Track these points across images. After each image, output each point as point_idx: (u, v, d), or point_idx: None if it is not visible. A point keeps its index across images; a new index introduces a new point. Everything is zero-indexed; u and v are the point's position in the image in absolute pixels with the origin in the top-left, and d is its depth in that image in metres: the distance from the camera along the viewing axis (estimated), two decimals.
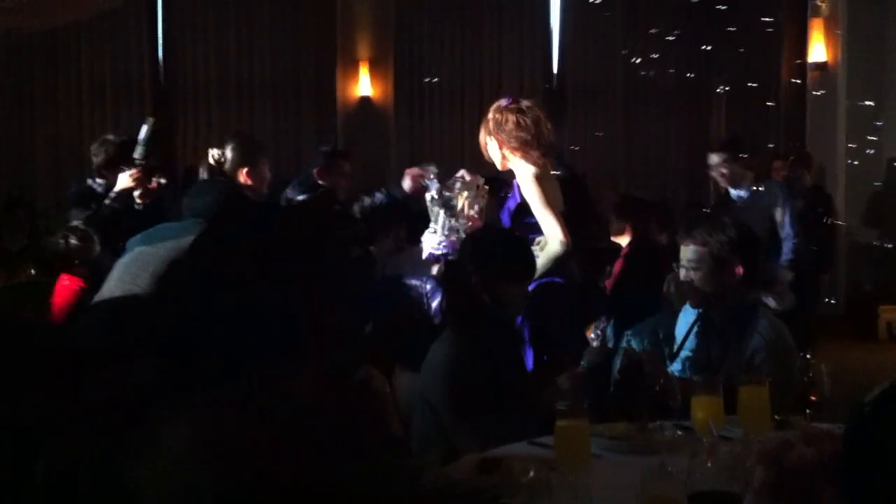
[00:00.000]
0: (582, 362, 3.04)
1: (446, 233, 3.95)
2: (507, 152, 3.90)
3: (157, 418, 1.30)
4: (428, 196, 4.07)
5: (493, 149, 3.94)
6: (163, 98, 8.78)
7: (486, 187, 4.07)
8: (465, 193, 3.98)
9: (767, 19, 9.31)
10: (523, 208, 3.84)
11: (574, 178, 4.32)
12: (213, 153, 4.68)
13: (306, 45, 8.96)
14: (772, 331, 3.07)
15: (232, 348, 1.39)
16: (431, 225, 4.04)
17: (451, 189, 4.00)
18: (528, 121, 3.87)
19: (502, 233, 3.67)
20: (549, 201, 3.79)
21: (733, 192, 5.31)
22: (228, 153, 4.63)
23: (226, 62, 8.87)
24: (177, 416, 1.30)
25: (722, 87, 9.54)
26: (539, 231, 3.78)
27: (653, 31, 9.31)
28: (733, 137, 5.38)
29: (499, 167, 4.01)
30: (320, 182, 5.38)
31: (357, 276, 1.54)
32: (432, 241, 3.99)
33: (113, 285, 3.48)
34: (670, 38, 9.35)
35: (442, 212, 3.97)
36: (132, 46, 8.73)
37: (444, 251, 3.94)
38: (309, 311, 1.43)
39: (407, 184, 5.17)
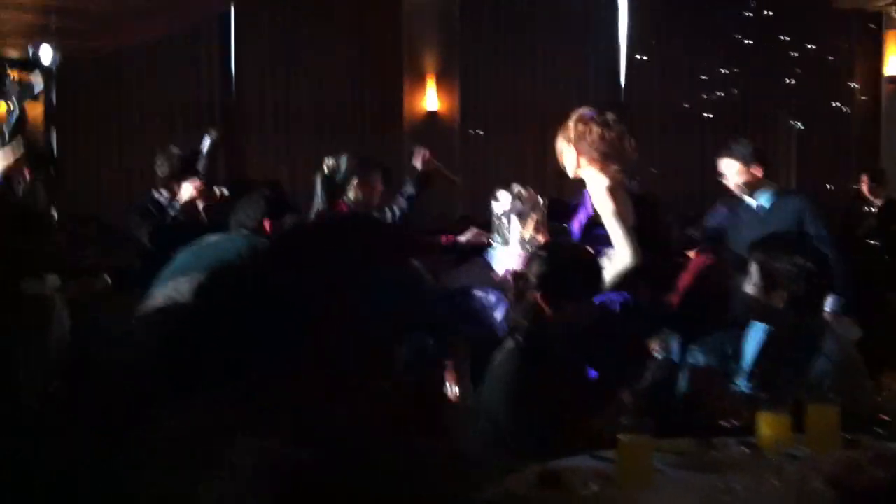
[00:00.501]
0: (646, 375, 3.01)
1: (521, 247, 3.95)
2: (584, 161, 3.88)
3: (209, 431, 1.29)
4: (498, 209, 4.06)
5: (569, 157, 3.92)
6: (232, 119, 8.91)
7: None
8: (537, 208, 3.98)
9: (838, 33, 9.17)
10: (595, 220, 3.82)
11: (647, 195, 4.28)
12: (329, 162, 4.83)
13: (371, 60, 9.05)
14: (840, 354, 2.99)
15: (269, 356, 1.37)
16: (499, 239, 4.04)
17: (523, 202, 4.00)
18: (613, 134, 3.86)
19: (570, 247, 3.65)
20: (622, 214, 3.76)
21: (751, 201, 5.00)
22: (343, 164, 4.80)
23: (295, 83, 8.98)
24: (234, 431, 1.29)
25: (791, 104, 9.39)
26: (609, 244, 3.75)
27: (719, 46, 9.22)
28: (754, 146, 5.11)
29: (570, 175, 3.98)
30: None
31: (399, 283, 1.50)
32: (506, 256, 3.99)
33: (156, 292, 3.55)
34: (733, 55, 9.24)
35: (517, 225, 3.97)
36: (202, 69, 8.87)
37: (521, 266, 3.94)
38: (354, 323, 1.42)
39: (419, 162, 5.11)
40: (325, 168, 4.80)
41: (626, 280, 3.71)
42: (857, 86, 9.29)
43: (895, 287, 7.38)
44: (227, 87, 8.94)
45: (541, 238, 3.98)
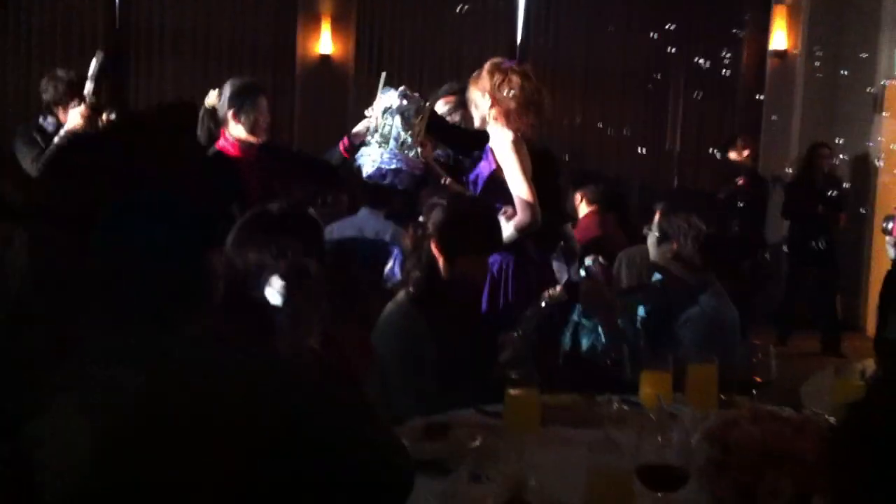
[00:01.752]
0: (518, 330, 3.00)
1: (399, 147, 3.77)
2: (494, 112, 3.73)
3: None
4: (380, 106, 3.84)
5: (482, 106, 3.76)
6: (116, 44, 8.54)
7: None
8: (422, 113, 3.80)
9: (731, 4, 9.40)
10: (497, 176, 3.71)
11: (548, 152, 4.19)
12: (210, 95, 4.38)
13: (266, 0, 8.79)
14: (711, 303, 3.09)
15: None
16: (377, 136, 3.82)
17: (411, 101, 3.80)
18: (532, 86, 3.74)
19: (470, 199, 3.60)
20: (526, 171, 3.67)
21: None
22: (226, 92, 4.30)
23: (182, 10, 8.66)
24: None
25: (680, 71, 9.62)
26: (508, 201, 3.67)
27: (617, 12, 9.36)
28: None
29: (477, 125, 3.83)
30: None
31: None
32: (379, 154, 3.78)
33: None
34: (633, 20, 9.41)
35: (397, 123, 3.77)
36: None
37: (398, 166, 3.77)
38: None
39: None
40: (206, 101, 4.40)
41: (522, 238, 3.68)
42: (743, 55, 9.56)
43: (750, 254, 7.71)
44: (109, 7, 8.55)
45: (427, 148, 3.85)
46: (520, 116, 3.73)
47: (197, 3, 8.68)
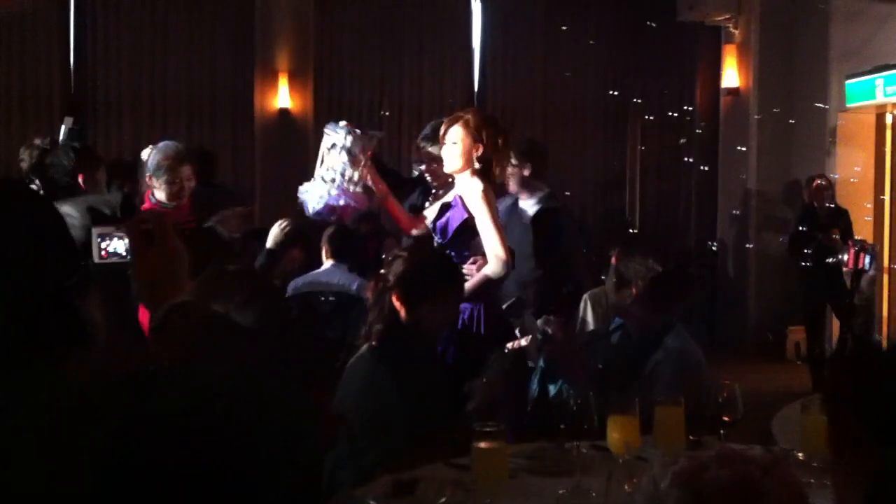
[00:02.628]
0: (484, 377, 2.97)
1: (345, 184, 3.74)
2: (470, 160, 3.71)
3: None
4: (327, 142, 3.83)
5: (463, 151, 3.71)
6: (73, 109, 8.50)
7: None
8: (369, 150, 3.79)
9: (684, 44, 9.58)
10: (469, 224, 3.69)
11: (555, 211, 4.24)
12: (144, 152, 4.48)
13: (223, 55, 8.82)
14: (676, 346, 3.09)
15: None
16: (324, 174, 3.79)
17: (358, 138, 3.78)
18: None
19: (431, 249, 3.60)
20: (495, 220, 3.67)
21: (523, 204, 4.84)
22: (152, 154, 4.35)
23: (140, 71, 8.66)
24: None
25: (639, 110, 9.76)
26: (479, 250, 3.66)
27: (573, 52, 9.50)
28: (530, 141, 5.07)
29: (448, 170, 3.79)
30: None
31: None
32: (325, 190, 3.74)
33: None
34: (589, 60, 9.56)
35: (344, 159, 3.74)
36: (41, 54, 8.46)
37: (345, 202, 3.73)
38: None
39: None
40: (141, 154, 4.45)
41: (492, 287, 3.66)
42: (697, 94, 9.72)
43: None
44: (66, 72, 8.53)
45: (369, 181, 3.82)
46: (498, 167, 3.76)
47: (153, 63, 8.69)
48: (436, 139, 3.94)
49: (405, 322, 2.98)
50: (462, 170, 3.76)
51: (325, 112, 8.93)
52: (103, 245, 1.46)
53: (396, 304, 2.99)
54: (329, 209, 3.82)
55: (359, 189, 3.80)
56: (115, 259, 1.46)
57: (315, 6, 8.89)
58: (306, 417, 1.28)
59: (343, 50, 9.16)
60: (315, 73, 8.94)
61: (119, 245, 1.47)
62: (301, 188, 3.91)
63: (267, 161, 8.69)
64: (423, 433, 2.71)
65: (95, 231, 1.46)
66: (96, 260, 1.45)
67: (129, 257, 1.45)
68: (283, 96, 8.73)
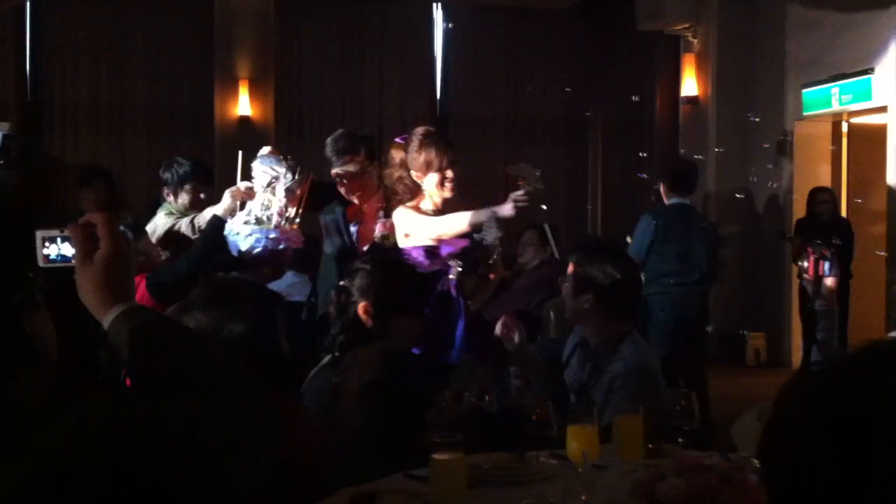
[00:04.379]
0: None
1: (284, 223, 3.55)
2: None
3: None
4: (265, 179, 3.60)
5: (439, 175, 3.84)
6: (29, 117, 8.39)
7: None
8: (306, 184, 3.65)
9: (644, 53, 9.66)
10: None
11: None
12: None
13: (183, 61, 8.75)
14: (634, 358, 3.09)
15: None
16: (258, 213, 3.56)
17: (291, 171, 3.59)
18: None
19: (395, 260, 3.58)
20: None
21: None
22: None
23: (98, 78, 8.57)
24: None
25: (600, 119, 9.83)
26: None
27: (534, 63, 9.56)
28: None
29: (405, 201, 3.88)
30: None
31: None
32: (261, 232, 3.52)
33: None
34: (551, 71, 9.62)
35: (283, 197, 3.56)
36: None
37: (285, 246, 3.56)
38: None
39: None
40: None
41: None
42: (657, 103, 9.80)
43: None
44: (21, 80, 8.41)
45: (291, 214, 3.61)
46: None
47: (112, 70, 8.60)
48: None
49: (373, 332, 2.96)
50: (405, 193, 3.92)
51: (286, 121, 8.90)
52: (47, 248, 1.41)
53: (363, 316, 2.97)
54: (269, 253, 3.59)
55: (295, 226, 3.62)
56: (59, 263, 1.42)
57: (276, 12, 8.85)
58: (260, 429, 1.25)
59: (305, 58, 9.13)
60: (276, 81, 8.90)
61: (64, 248, 1.42)
62: (229, 227, 3.61)
63: (227, 169, 8.60)
64: (384, 444, 2.69)
65: (39, 234, 1.42)
66: (40, 264, 1.41)
67: (73, 261, 1.40)
68: (243, 104, 8.68)
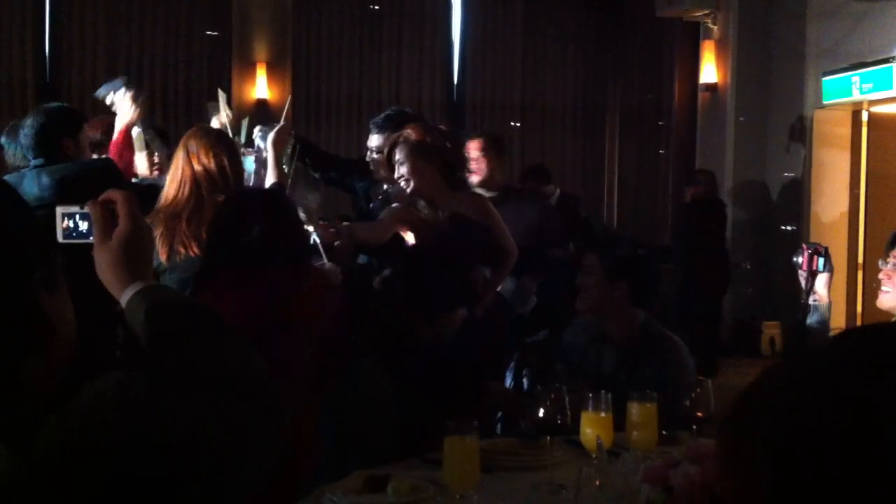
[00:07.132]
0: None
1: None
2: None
3: None
4: (254, 154, 3.79)
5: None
6: (48, 99, 8.41)
7: None
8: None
9: (663, 40, 9.60)
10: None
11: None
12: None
13: (201, 44, 8.76)
14: (679, 364, 3.08)
15: None
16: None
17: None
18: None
19: (443, 260, 3.51)
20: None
21: None
22: None
23: (115, 60, 8.59)
24: None
25: (617, 105, 9.79)
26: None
27: (552, 47, 9.51)
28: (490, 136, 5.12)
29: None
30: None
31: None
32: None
33: None
34: (568, 57, 9.58)
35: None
36: (16, 41, 8.37)
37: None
38: None
39: None
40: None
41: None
42: (675, 90, 9.75)
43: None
44: (40, 63, 8.44)
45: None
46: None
47: (129, 53, 8.62)
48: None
49: (417, 331, 2.88)
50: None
51: (303, 103, 8.90)
52: (66, 224, 1.41)
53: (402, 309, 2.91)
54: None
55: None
56: (78, 240, 1.42)
57: None
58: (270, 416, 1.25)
59: (322, 41, 9.13)
60: (294, 64, 8.90)
61: (83, 225, 1.42)
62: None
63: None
64: (410, 430, 2.67)
65: (59, 210, 1.42)
66: (59, 240, 1.41)
67: (92, 238, 1.39)
68: (261, 87, 8.68)
